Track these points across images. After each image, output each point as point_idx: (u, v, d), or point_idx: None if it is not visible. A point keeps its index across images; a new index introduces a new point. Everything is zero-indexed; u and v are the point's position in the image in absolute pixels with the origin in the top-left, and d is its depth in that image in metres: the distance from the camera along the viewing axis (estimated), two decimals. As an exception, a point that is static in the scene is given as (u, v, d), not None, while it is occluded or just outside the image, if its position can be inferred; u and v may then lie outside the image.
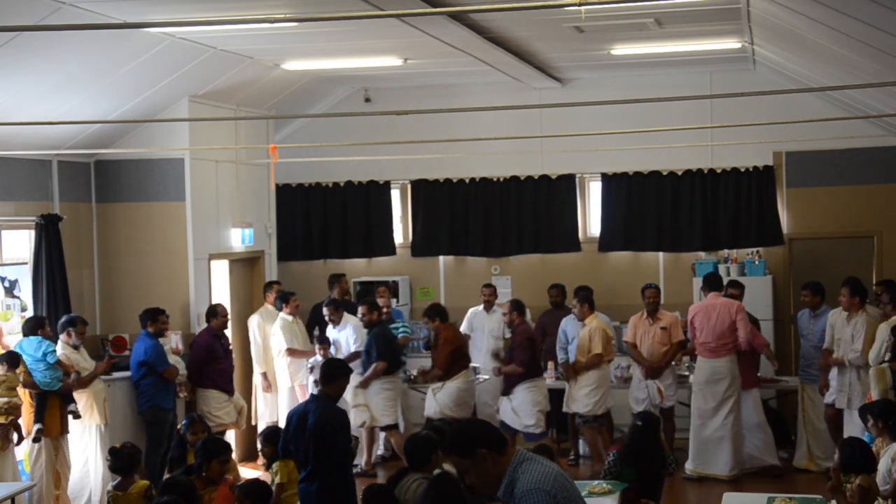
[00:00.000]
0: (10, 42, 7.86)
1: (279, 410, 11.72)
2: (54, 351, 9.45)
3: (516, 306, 11.14)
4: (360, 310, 11.23)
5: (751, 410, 10.84)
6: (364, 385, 11.11)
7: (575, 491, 4.68)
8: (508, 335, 12.20)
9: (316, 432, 7.50)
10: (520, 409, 10.94)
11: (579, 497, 4.70)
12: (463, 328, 12.58)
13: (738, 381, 10.66)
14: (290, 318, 11.64)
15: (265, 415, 11.84)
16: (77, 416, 9.60)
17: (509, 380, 11.03)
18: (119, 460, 7.56)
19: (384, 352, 11.04)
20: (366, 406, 11.13)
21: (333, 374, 7.81)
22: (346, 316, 11.58)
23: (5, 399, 9.02)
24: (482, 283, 12.98)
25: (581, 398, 10.97)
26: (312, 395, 7.85)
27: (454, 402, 10.95)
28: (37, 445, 9.40)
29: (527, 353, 10.94)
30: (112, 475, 7.88)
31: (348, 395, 10.79)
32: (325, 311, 11.54)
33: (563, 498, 4.51)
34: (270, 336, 11.72)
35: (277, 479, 7.76)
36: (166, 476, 7.95)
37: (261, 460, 11.05)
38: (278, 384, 11.78)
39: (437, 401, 10.97)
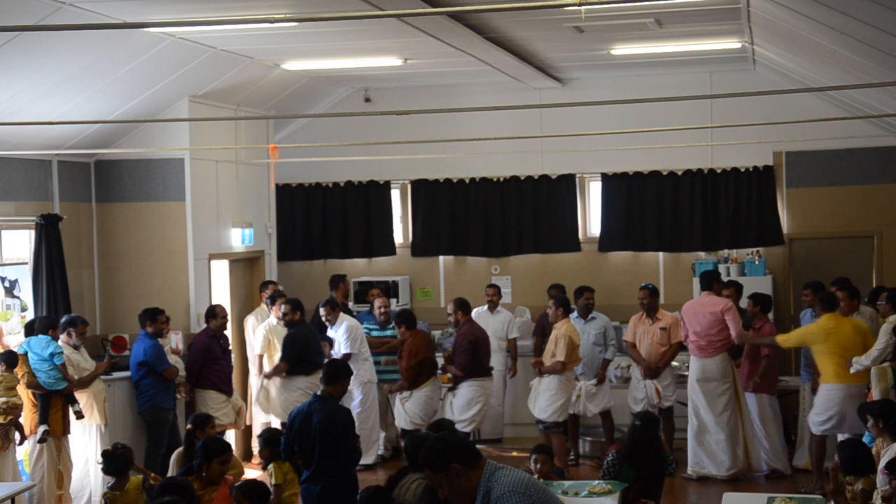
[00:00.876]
0: (10, 42, 7.86)
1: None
2: (62, 353, 9.44)
3: (460, 305, 11.05)
4: (283, 308, 11.12)
5: (759, 413, 10.82)
6: (267, 377, 11.19)
7: (550, 495, 4.76)
8: (513, 335, 12.19)
9: (322, 432, 7.55)
10: (456, 405, 10.89)
11: (554, 498, 4.79)
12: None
13: (732, 379, 10.63)
14: (275, 321, 11.47)
15: (259, 415, 11.83)
16: (80, 415, 9.60)
17: (457, 377, 10.96)
18: (112, 462, 7.55)
19: (289, 354, 10.98)
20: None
21: (336, 374, 7.85)
22: (342, 316, 11.58)
23: (4, 399, 9.02)
24: (482, 283, 13.01)
25: (541, 402, 10.87)
26: (315, 395, 7.88)
27: (422, 411, 10.84)
28: (39, 446, 9.39)
29: (466, 355, 10.81)
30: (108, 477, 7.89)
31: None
32: (321, 311, 11.53)
33: (537, 498, 4.61)
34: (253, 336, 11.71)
35: (273, 481, 7.78)
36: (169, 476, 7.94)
37: (256, 460, 11.09)
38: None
39: (406, 410, 10.88)
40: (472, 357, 10.86)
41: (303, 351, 11.01)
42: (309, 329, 11.29)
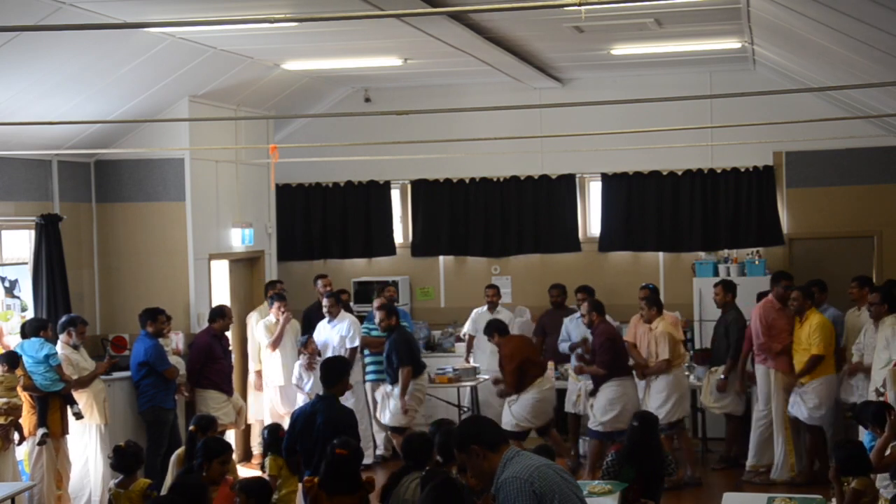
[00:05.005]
0: (10, 42, 7.86)
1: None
2: (56, 354, 9.44)
3: (595, 307, 10.82)
4: (378, 315, 11.08)
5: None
6: (403, 394, 10.94)
7: (560, 482, 4.83)
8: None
9: (326, 432, 7.59)
10: (597, 406, 10.62)
11: (567, 487, 4.85)
12: (467, 328, 12.58)
13: (760, 389, 10.69)
14: (273, 319, 11.57)
15: (258, 413, 11.84)
16: (79, 416, 9.59)
17: (596, 379, 10.71)
18: (122, 459, 7.54)
19: (405, 357, 10.89)
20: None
21: (335, 374, 7.89)
22: (343, 312, 11.60)
23: (5, 399, 9.00)
24: (482, 283, 13.01)
25: (653, 404, 10.62)
26: (318, 395, 7.94)
27: (530, 413, 10.73)
28: (38, 447, 9.38)
29: (608, 354, 10.60)
30: (112, 474, 7.88)
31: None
32: (325, 302, 11.55)
33: (540, 486, 4.73)
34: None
35: (267, 472, 7.88)
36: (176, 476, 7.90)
37: (256, 460, 11.10)
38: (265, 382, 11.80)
39: (514, 413, 10.74)
40: (613, 356, 10.63)
41: (413, 352, 11.04)
42: (406, 331, 11.25)
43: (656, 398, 10.64)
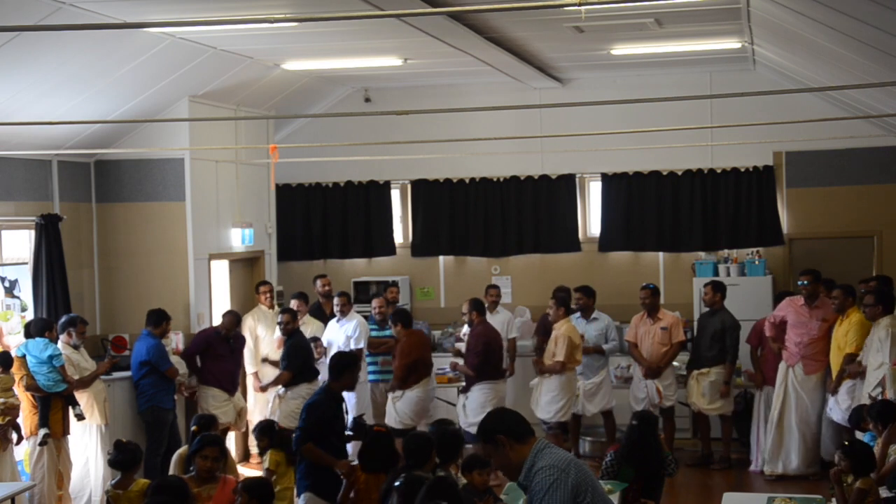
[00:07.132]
0: (10, 42, 7.87)
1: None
2: (60, 355, 9.44)
3: (475, 306, 10.96)
4: (282, 317, 10.96)
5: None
6: (262, 389, 11.37)
7: (592, 477, 4.90)
8: (513, 335, 12.17)
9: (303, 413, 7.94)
10: (469, 408, 10.84)
11: (596, 483, 4.92)
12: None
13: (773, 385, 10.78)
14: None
15: (260, 414, 11.82)
16: (81, 417, 9.60)
17: (468, 379, 10.94)
18: (122, 454, 7.54)
19: (292, 363, 10.87)
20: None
21: (340, 367, 7.96)
22: (352, 312, 11.65)
23: (2, 400, 9.01)
24: (482, 283, 13.01)
25: (543, 403, 10.92)
26: (321, 387, 8.02)
27: (412, 412, 10.79)
28: (39, 447, 9.38)
29: (479, 357, 10.76)
30: (112, 475, 7.88)
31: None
32: (336, 300, 11.56)
33: (576, 478, 4.76)
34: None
35: (266, 465, 8.01)
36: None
37: (255, 460, 11.08)
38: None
39: (397, 410, 10.82)
40: (484, 359, 10.78)
41: (306, 358, 11.00)
42: (303, 338, 11.22)
43: (547, 396, 10.81)
